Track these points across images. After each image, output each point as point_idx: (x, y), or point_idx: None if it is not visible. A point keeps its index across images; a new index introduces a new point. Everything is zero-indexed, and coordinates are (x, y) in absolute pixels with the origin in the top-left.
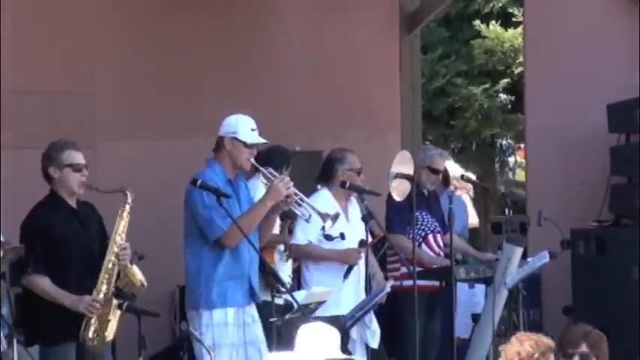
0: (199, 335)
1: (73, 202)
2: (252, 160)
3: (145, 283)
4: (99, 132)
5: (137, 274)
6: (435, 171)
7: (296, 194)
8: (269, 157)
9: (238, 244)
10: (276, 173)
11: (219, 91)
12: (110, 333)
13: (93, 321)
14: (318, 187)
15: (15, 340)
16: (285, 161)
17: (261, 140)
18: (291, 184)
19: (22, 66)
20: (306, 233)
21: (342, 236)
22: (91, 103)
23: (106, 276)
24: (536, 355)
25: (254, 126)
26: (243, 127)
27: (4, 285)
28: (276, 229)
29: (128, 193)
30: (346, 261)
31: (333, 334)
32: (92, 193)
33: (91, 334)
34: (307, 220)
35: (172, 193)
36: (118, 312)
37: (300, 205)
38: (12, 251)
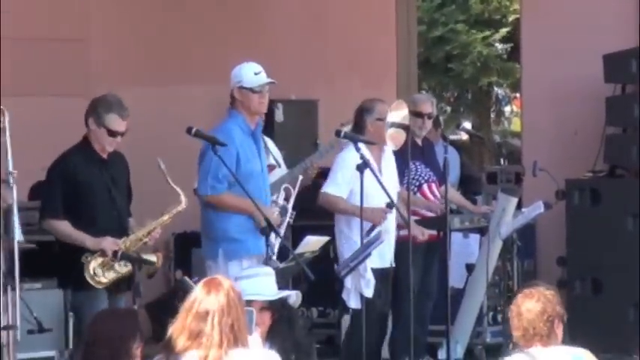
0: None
1: (103, 153)
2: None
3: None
4: (93, 79)
5: (154, 260)
6: (418, 114)
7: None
8: None
9: (254, 194)
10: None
11: (214, 39)
12: (104, 280)
13: (100, 256)
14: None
15: (9, 288)
16: None
17: (267, 80)
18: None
19: (13, 11)
20: (339, 187)
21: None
22: (85, 49)
23: (134, 239)
24: (557, 308)
25: (258, 69)
26: (247, 74)
27: None
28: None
29: (183, 200)
30: (371, 220)
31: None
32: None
33: (92, 265)
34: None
35: (168, 141)
36: (125, 269)
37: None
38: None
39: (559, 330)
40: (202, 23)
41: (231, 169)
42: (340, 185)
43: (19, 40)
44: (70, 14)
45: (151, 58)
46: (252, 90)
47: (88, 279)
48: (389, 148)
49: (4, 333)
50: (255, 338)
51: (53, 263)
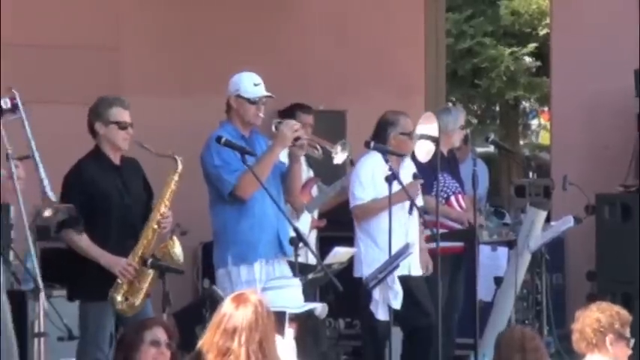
0: (226, 293)
1: (116, 159)
2: (261, 114)
3: (182, 259)
4: (123, 87)
5: (177, 247)
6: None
7: (307, 135)
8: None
9: (263, 198)
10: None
11: (244, 48)
12: (139, 299)
13: (124, 285)
14: (370, 147)
15: (41, 295)
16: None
17: (265, 93)
18: (298, 126)
19: (42, 19)
20: (365, 191)
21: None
22: (114, 57)
23: (144, 242)
24: (616, 326)
25: (258, 81)
26: (246, 84)
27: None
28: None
29: (179, 161)
30: (412, 195)
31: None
32: (138, 151)
33: (119, 297)
34: (320, 157)
35: (195, 149)
36: (149, 279)
37: (312, 146)
38: (62, 210)
39: (617, 349)
40: (230, 34)
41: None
42: (365, 189)
43: (49, 47)
44: (100, 23)
45: (176, 69)
46: (249, 100)
47: (124, 311)
48: (407, 158)
49: (35, 340)
50: (288, 341)
51: (62, 273)
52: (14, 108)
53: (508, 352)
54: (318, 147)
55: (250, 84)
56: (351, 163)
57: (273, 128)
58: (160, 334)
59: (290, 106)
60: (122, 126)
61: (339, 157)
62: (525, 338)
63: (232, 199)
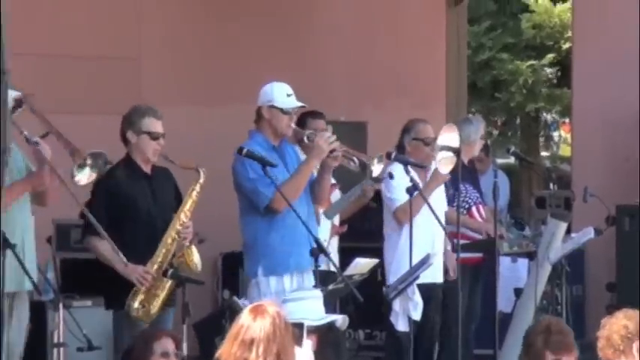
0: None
1: (147, 168)
2: (294, 125)
3: (200, 268)
4: (144, 98)
5: (195, 256)
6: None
7: (341, 147)
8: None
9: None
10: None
11: (265, 58)
12: (156, 307)
13: (141, 292)
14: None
15: (61, 305)
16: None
17: (298, 104)
18: (334, 138)
19: (65, 29)
20: (400, 192)
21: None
22: (136, 67)
23: (164, 250)
24: None
25: (290, 91)
26: (279, 94)
27: (50, 250)
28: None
29: (201, 172)
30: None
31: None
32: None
33: (136, 305)
34: (357, 169)
35: (216, 159)
36: (167, 287)
37: (348, 158)
38: (95, 157)
39: None
40: (251, 46)
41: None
42: (399, 191)
43: (72, 57)
44: (122, 34)
45: (197, 79)
46: (282, 111)
47: (140, 318)
48: (435, 169)
49: (55, 350)
50: (307, 352)
51: (99, 282)
52: (19, 104)
53: (533, 336)
54: (355, 159)
55: (283, 94)
56: (390, 176)
57: (306, 139)
58: (168, 345)
59: (299, 115)
60: (154, 136)
61: (376, 169)
62: (551, 323)
63: (267, 212)
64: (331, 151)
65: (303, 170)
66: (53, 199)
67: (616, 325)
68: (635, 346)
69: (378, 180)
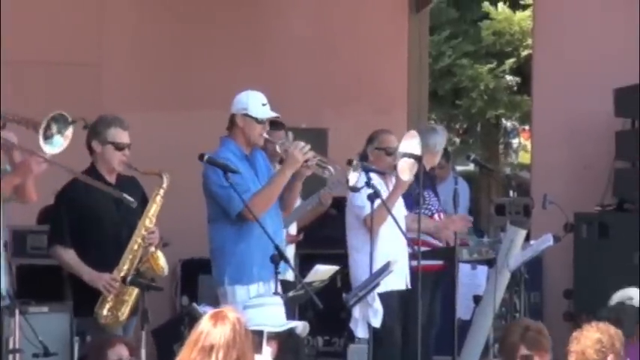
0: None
1: (111, 178)
2: (266, 134)
3: (166, 271)
4: (105, 104)
5: (161, 260)
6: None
7: (314, 156)
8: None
9: (263, 218)
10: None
11: (226, 65)
12: (124, 314)
13: (109, 299)
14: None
15: (17, 311)
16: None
17: (273, 114)
18: (307, 147)
19: (24, 35)
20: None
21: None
22: (97, 74)
23: (130, 256)
24: (617, 345)
25: (265, 101)
26: (254, 103)
27: (5, 255)
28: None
29: (164, 177)
30: (401, 190)
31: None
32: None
33: (105, 312)
34: (332, 175)
35: (178, 166)
36: (135, 293)
37: (322, 166)
38: (56, 120)
39: None
40: (212, 50)
41: (239, 193)
42: (365, 201)
43: (31, 63)
44: (83, 39)
45: (157, 85)
46: (257, 120)
47: (109, 324)
48: (397, 176)
49: (10, 356)
50: (266, 358)
51: (63, 289)
52: None
53: (511, 330)
54: (330, 167)
55: (258, 104)
56: (367, 185)
57: (278, 148)
58: (123, 351)
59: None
60: (119, 147)
61: (352, 176)
62: (531, 324)
63: (239, 219)
64: (306, 161)
65: (277, 181)
66: (33, 193)
67: (589, 339)
68: (609, 359)
69: (355, 189)
